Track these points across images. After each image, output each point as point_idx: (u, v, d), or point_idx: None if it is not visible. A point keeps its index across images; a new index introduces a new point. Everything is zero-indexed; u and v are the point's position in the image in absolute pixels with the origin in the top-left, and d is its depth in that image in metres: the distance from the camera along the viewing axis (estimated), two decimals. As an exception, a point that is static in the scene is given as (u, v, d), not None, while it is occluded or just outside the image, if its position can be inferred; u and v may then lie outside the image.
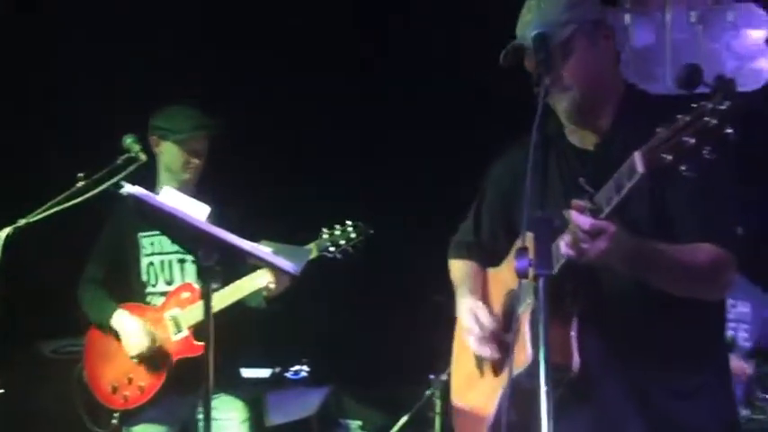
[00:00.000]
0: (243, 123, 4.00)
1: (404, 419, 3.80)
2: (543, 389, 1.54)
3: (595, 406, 1.85)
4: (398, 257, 4.18)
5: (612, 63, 1.92)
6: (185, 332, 2.98)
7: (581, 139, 1.96)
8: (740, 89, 4.56)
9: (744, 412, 3.42)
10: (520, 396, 1.76)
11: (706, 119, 1.52)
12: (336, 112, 4.42)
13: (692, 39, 4.30)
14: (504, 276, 2.05)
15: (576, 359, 1.79)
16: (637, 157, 1.61)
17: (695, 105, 1.54)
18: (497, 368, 2.01)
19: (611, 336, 1.84)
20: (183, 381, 2.95)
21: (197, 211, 2.03)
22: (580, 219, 1.65)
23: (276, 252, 2.08)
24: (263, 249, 1.99)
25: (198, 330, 2.97)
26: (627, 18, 4.33)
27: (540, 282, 1.57)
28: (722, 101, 1.52)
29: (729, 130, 1.51)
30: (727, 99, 1.52)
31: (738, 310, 3.84)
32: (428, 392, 3.74)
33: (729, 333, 3.77)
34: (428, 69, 4.26)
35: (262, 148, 4.33)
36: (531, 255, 1.62)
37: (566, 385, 1.80)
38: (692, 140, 1.53)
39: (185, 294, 3.02)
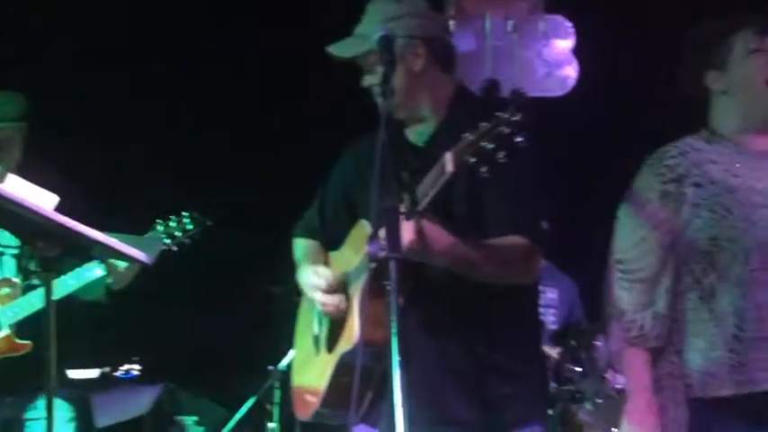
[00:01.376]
0: (69, 112, 3.88)
1: (242, 411, 3.84)
2: (396, 368, 1.66)
3: (422, 384, 1.99)
4: (231, 249, 4.20)
5: (428, 75, 2.09)
6: (6, 330, 2.87)
7: (416, 135, 2.16)
8: (549, 94, 4.95)
9: (553, 384, 3.77)
10: (348, 372, 1.89)
11: (501, 127, 1.73)
12: (173, 105, 4.37)
13: (509, 46, 4.63)
14: (342, 258, 2.18)
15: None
16: (447, 157, 1.80)
17: (496, 114, 1.75)
18: (331, 345, 2.13)
19: (435, 316, 2.02)
20: (4, 381, 2.85)
21: (43, 201, 1.98)
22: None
23: (123, 242, 2.07)
24: (113, 240, 1.98)
25: (20, 328, 2.87)
26: (451, 25, 4.60)
27: (392, 265, 1.71)
28: (515, 112, 1.73)
29: (520, 139, 1.72)
30: (520, 111, 1.73)
31: (547, 296, 4.20)
32: (267, 383, 3.81)
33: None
34: (273, 71, 4.32)
35: (89, 140, 4.20)
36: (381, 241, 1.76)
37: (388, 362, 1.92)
38: (491, 146, 1.73)
39: (5, 290, 2.89)
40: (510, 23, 4.60)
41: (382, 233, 1.77)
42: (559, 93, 4.61)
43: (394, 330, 1.67)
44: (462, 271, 1.97)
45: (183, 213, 3.02)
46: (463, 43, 4.61)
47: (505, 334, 2.05)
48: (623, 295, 2.15)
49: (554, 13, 4.64)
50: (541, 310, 4.20)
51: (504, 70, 4.65)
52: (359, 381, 1.78)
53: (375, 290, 1.85)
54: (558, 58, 4.67)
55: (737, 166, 2.15)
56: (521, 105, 1.74)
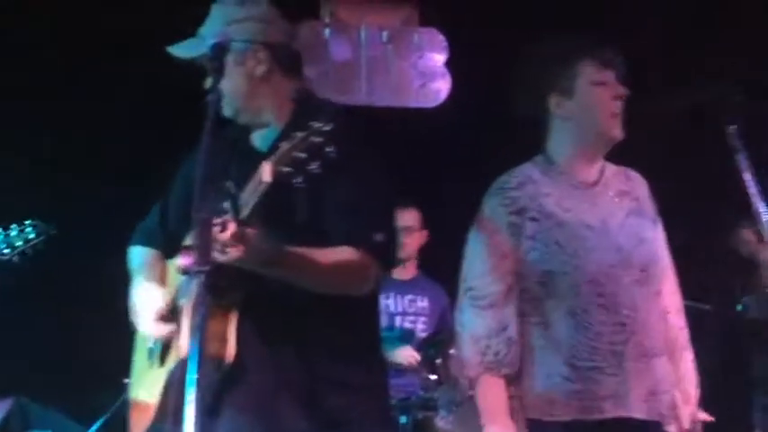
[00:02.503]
0: None
1: (96, 426, 3.70)
2: (191, 385, 1.60)
3: (256, 396, 1.97)
4: (82, 258, 4.03)
5: (270, 80, 2.07)
6: None
7: (260, 141, 2.13)
8: (422, 106, 5.04)
9: (420, 392, 3.82)
10: (179, 386, 1.83)
11: (313, 137, 1.74)
12: (21, 107, 4.16)
13: (384, 57, 4.69)
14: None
15: (230, 350, 1.90)
16: (264, 167, 1.78)
17: (308, 124, 1.75)
18: (164, 359, 2.08)
19: (269, 328, 1.99)
20: None
21: None
22: (220, 224, 1.77)
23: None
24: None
25: None
26: (326, 33, 4.61)
27: (199, 278, 1.65)
28: (327, 123, 1.74)
29: (330, 149, 1.73)
30: (332, 122, 1.74)
31: (418, 305, 4.27)
32: (122, 397, 3.67)
33: (409, 326, 4.19)
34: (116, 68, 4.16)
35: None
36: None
37: (224, 375, 1.91)
38: (303, 155, 1.73)
39: None
40: (385, 34, 4.65)
41: (195, 245, 1.71)
42: (432, 105, 4.70)
43: (195, 346, 1.61)
44: (292, 281, 1.94)
45: (26, 222, 2.87)
46: (338, 52, 4.63)
47: (343, 345, 2.03)
48: (476, 321, 2.16)
49: (428, 26, 4.73)
50: (411, 318, 4.31)
51: (379, 81, 4.69)
52: (188, 396, 1.73)
53: (204, 303, 1.79)
54: (432, 70, 4.76)
55: (568, 199, 2.20)
56: (332, 115, 1.75)
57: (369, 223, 2.00)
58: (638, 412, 2.11)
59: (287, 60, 2.10)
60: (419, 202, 4.25)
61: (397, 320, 4.17)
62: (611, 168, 2.30)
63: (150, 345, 2.14)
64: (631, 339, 2.12)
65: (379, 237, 1.99)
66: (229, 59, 1.99)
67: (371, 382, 2.10)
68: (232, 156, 2.05)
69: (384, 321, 4.12)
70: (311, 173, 1.73)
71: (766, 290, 2.28)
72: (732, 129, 2.17)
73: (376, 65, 4.68)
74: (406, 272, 4.22)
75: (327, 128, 1.73)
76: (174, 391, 1.84)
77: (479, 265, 2.19)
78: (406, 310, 4.18)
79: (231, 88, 2.03)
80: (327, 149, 1.72)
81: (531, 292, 2.16)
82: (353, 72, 4.65)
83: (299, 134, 1.74)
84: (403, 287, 4.19)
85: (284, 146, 1.75)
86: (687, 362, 2.28)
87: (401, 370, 3.87)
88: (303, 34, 4.52)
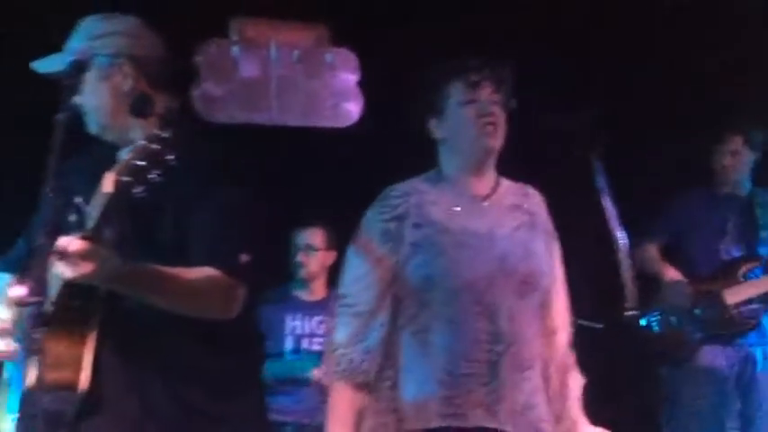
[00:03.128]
0: None
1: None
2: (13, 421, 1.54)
3: (120, 427, 1.89)
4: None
5: (130, 95, 2.02)
6: None
7: None
8: (334, 125, 4.99)
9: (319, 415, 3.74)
10: (20, 420, 1.79)
11: (152, 145, 1.71)
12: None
13: (294, 76, 4.65)
14: None
15: (84, 377, 1.83)
16: (107, 178, 1.75)
17: (149, 133, 1.73)
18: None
19: (132, 353, 1.91)
20: None
21: None
22: (64, 241, 1.72)
23: None
24: None
25: None
26: (234, 51, 4.56)
27: (30, 309, 1.60)
28: (166, 129, 1.72)
29: (171, 156, 1.70)
30: (171, 128, 1.72)
31: (327, 326, 4.20)
32: None
33: (317, 348, 4.08)
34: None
35: None
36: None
37: (81, 404, 1.83)
38: (143, 164, 1.71)
39: None
40: (296, 54, 4.63)
41: (30, 273, 1.68)
42: (344, 124, 4.68)
43: (17, 383, 1.54)
44: (151, 300, 1.88)
45: None
46: (247, 71, 4.58)
47: (214, 371, 1.97)
48: (341, 329, 2.18)
49: (340, 46, 4.71)
50: (319, 340, 4.16)
51: (290, 100, 4.66)
52: (43, 425, 1.65)
53: (55, 329, 1.72)
54: (344, 89, 4.75)
55: (455, 208, 2.23)
56: (171, 123, 1.73)
57: (236, 244, 1.95)
58: (508, 425, 2.11)
59: (155, 75, 2.05)
60: (332, 222, 4.20)
61: (305, 342, 4.10)
62: (506, 184, 2.34)
63: (6, 375, 2.02)
64: (509, 350, 2.13)
65: (242, 257, 1.94)
66: (94, 75, 1.97)
67: (245, 413, 2.03)
68: (98, 174, 1.95)
69: (290, 343, 4.07)
70: (152, 182, 1.69)
71: (626, 312, 2.30)
72: (595, 155, 2.23)
73: (286, 84, 4.64)
74: (314, 293, 4.16)
75: (165, 134, 1.69)
76: (19, 424, 1.76)
77: (351, 273, 2.20)
78: (314, 331, 4.11)
79: (96, 104, 1.99)
80: (167, 157, 1.68)
81: (411, 299, 2.16)
82: (263, 91, 4.60)
83: (140, 143, 1.70)
84: (311, 308, 4.13)
85: (128, 155, 1.72)
86: (575, 380, 2.29)
87: (295, 392, 3.80)
88: (211, 52, 4.47)
